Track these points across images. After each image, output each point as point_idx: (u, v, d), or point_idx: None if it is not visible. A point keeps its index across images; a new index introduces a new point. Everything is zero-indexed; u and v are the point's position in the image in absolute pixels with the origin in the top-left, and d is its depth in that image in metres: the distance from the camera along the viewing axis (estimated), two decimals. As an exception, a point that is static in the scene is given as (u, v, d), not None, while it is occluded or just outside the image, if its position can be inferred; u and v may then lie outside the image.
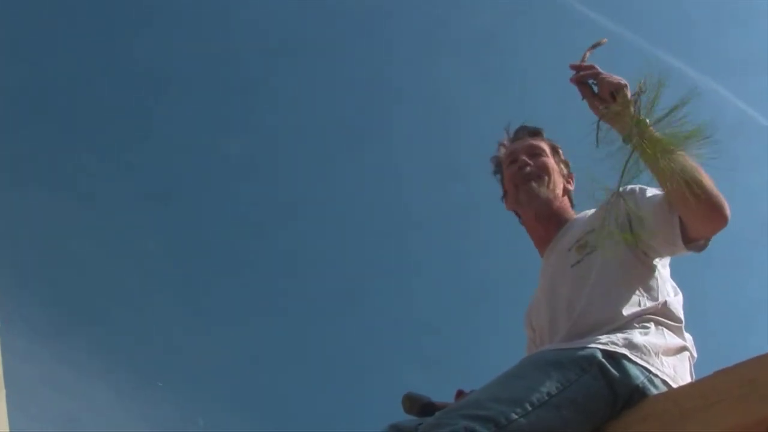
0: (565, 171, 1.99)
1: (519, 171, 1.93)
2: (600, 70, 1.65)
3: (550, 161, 1.95)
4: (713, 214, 1.57)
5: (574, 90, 1.67)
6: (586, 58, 1.69)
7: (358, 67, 7.24)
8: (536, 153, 1.96)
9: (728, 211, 1.57)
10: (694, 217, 1.58)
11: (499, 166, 2.06)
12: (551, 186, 1.91)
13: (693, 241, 1.63)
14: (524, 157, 1.94)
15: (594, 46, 1.71)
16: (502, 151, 2.05)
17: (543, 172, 1.92)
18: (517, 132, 2.04)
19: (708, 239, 1.65)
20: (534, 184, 1.90)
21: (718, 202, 1.56)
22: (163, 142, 7.01)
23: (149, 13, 6.90)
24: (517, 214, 2.02)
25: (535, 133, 2.02)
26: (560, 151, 2.01)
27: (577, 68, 1.68)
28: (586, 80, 1.66)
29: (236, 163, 7.00)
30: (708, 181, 1.54)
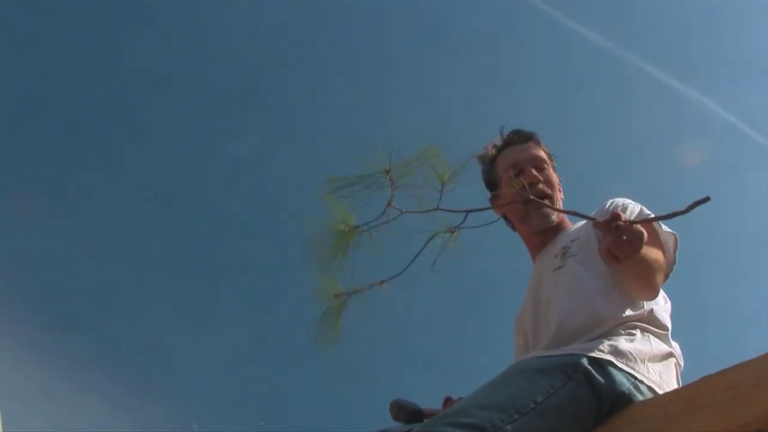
0: (557, 179, 1.98)
1: (531, 187, 1.84)
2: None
3: (553, 175, 1.94)
4: (647, 294, 1.67)
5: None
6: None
7: (358, 68, 7.25)
8: (541, 167, 1.92)
9: (657, 293, 1.68)
10: (630, 289, 1.67)
11: (489, 165, 2.00)
12: (556, 203, 1.90)
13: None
14: (534, 172, 1.90)
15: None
16: (492, 152, 2.01)
17: (551, 189, 1.90)
18: (511, 136, 1.99)
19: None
20: (547, 210, 1.86)
21: (656, 287, 1.66)
22: (162, 143, 7.00)
23: (149, 14, 6.90)
24: (506, 217, 1.99)
25: (530, 137, 1.98)
26: (553, 157, 1.99)
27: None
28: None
29: (237, 165, 7.00)
30: (659, 273, 1.63)
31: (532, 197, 1.81)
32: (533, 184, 1.86)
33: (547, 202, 1.86)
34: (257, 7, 7.12)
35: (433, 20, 7.06)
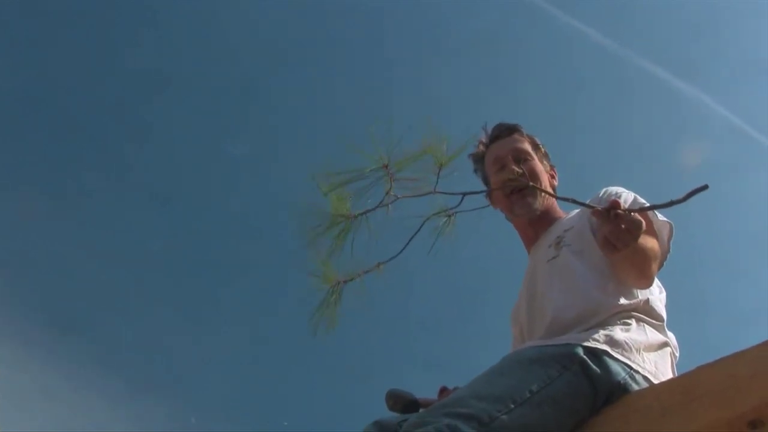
0: (548, 166, 1.99)
1: (510, 181, 1.88)
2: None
3: (537, 164, 1.94)
4: (642, 283, 1.67)
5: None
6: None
7: (358, 68, 7.26)
8: (523, 158, 1.93)
9: (652, 282, 1.68)
10: (625, 278, 1.67)
11: (479, 164, 2.04)
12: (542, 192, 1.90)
13: None
14: (513, 166, 1.91)
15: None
16: (481, 149, 2.03)
17: (533, 179, 1.90)
18: (495, 131, 2.01)
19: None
20: (529, 199, 1.88)
21: (651, 276, 1.65)
22: (162, 143, 7.00)
23: (149, 14, 6.91)
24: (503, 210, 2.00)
25: (514, 129, 1.99)
26: (540, 145, 2.00)
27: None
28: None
29: (237, 165, 7.00)
30: (654, 262, 1.61)
31: (536, 185, 1.83)
32: (512, 178, 1.88)
33: (528, 192, 1.87)
34: (257, 7, 7.14)
35: (433, 20, 7.08)
